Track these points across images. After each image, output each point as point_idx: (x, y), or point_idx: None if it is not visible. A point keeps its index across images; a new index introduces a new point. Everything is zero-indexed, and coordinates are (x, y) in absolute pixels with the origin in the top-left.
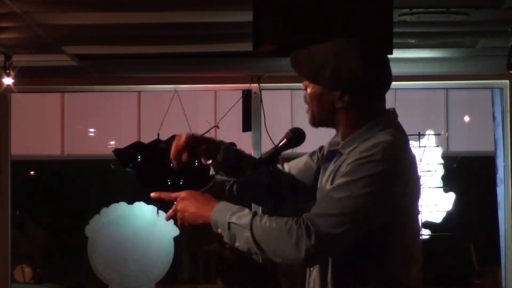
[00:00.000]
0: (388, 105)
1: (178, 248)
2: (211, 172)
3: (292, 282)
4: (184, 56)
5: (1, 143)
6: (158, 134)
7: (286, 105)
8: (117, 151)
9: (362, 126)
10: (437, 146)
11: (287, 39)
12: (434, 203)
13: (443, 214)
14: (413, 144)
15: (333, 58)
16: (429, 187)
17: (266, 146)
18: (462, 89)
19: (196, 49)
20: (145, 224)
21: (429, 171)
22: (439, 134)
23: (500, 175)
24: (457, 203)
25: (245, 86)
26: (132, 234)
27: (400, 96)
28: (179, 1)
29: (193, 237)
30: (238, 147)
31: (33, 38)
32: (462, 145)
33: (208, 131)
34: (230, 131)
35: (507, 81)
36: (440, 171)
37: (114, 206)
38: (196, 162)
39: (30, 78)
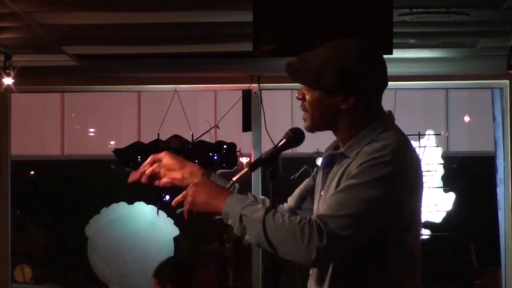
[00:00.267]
0: (388, 105)
1: (178, 248)
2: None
3: (292, 281)
4: (184, 56)
5: (1, 143)
6: (158, 134)
7: (286, 105)
8: (117, 151)
9: (364, 129)
10: (437, 146)
11: (287, 39)
12: (434, 203)
13: (443, 214)
14: (413, 144)
15: (332, 61)
16: (429, 187)
17: (266, 146)
18: (462, 89)
19: (196, 49)
20: (145, 224)
21: (429, 171)
22: (439, 134)
23: (500, 175)
24: (457, 203)
25: (245, 86)
26: (132, 234)
27: (400, 96)
28: (179, 1)
29: (193, 236)
30: (238, 147)
31: (33, 38)
32: (462, 145)
33: (208, 131)
34: (230, 131)
35: (507, 81)
36: (440, 171)
37: (114, 206)
38: (196, 162)
39: (30, 78)
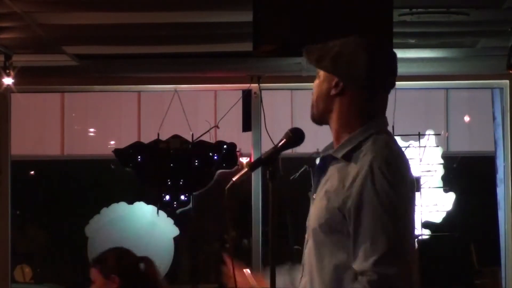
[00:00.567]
0: (388, 105)
1: (178, 248)
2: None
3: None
4: (184, 56)
5: (1, 143)
6: (158, 134)
7: (286, 105)
8: (117, 151)
9: (355, 129)
10: (437, 146)
11: (287, 39)
12: (434, 203)
13: (443, 214)
14: (413, 144)
15: (337, 46)
16: (429, 187)
17: (266, 146)
18: (462, 89)
19: (196, 49)
20: (145, 224)
21: (429, 171)
22: (439, 134)
23: (500, 175)
24: (457, 203)
25: (245, 86)
26: (132, 234)
27: (400, 96)
28: (179, 1)
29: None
30: (238, 147)
31: (33, 38)
32: (462, 145)
33: (208, 131)
34: (230, 131)
35: (507, 81)
36: (440, 171)
37: (114, 206)
38: (196, 162)
39: (30, 78)
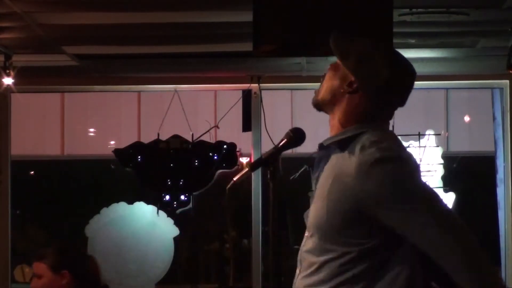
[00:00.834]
0: None
1: (178, 248)
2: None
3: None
4: (184, 56)
5: (1, 143)
6: (158, 134)
7: (286, 105)
8: (117, 151)
9: (354, 125)
10: (437, 146)
11: (287, 39)
12: None
13: None
14: (413, 144)
15: (365, 48)
16: None
17: (266, 146)
18: (462, 89)
19: (196, 49)
20: (145, 224)
21: (429, 171)
22: (439, 134)
23: (500, 175)
24: (457, 203)
25: (245, 86)
26: (132, 234)
27: None
28: (179, 1)
29: (193, 236)
30: (238, 147)
31: (33, 38)
32: (462, 145)
33: (208, 131)
34: (230, 131)
35: (507, 81)
36: (440, 171)
37: (114, 206)
38: (196, 162)
39: (30, 78)
